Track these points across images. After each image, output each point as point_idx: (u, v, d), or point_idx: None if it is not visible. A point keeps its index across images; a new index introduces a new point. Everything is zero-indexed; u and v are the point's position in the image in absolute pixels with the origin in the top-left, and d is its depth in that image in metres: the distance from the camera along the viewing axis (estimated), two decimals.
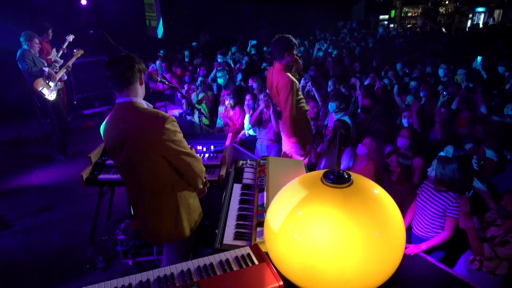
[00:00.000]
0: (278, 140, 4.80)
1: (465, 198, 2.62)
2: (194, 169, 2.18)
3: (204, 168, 2.29)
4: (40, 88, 5.20)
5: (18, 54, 5.17)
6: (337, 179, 1.15)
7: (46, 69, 5.24)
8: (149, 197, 2.19)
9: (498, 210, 2.51)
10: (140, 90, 2.13)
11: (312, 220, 1.12)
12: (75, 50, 5.65)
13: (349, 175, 1.18)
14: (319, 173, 1.23)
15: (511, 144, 3.59)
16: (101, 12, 10.20)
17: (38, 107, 5.32)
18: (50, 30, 6.13)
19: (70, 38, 5.93)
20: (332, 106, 4.70)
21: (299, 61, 3.62)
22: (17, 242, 3.90)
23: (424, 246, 2.97)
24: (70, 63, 5.62)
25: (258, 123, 4.79)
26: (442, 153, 3.53)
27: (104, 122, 2.18)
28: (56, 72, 5.46)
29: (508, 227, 2.45)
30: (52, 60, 5.69)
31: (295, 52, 3.43)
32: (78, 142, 6.31)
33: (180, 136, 2.09)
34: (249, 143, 5.31)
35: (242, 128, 5.46)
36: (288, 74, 3.44)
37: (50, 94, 5.31)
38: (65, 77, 5.79)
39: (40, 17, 8.16)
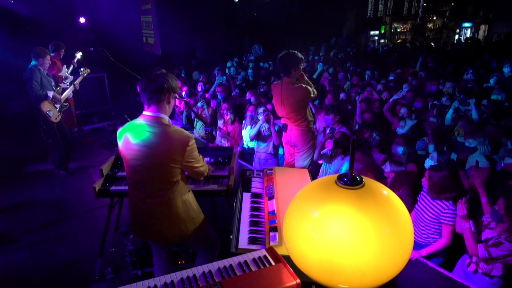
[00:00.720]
0: (276, 154, 4.94)
1: (461, 203, 2.77)
2: (202, 174, 2.49)
3: (207, 168, 2.56)
4: (46, 110, 5.21)
5: (26, 72, 5.18)
6: (350, 181, 1.27)
7: (51, 94, 5.25)
8: (157, 202, 2.33)
9: (492, 213, 2.66)
10: (167, 108, 2.30)
11: (330, 219, 1.22)
12: (81, 69, 5.74)
13: (361, 178, 1.29)
14: (332, 177, 1.36)
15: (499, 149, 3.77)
16: (100, 30, 10.39)
17: (43, 129, 5.34)
18: (63, 50, 6.28)
19: (79, 54, 6.11)
20: (327, 119, 4.86)
21: (305, 76, 3.78)
22: (24, 256, 3.93)
23: (424, 252, 3.08)
24: (77, 82, 5.70)
25: (257, 136, 4.91)
26: (428, 159, 3.70)
27: (124, 127, 2.34)
28: (64, 89, 5.52)
29: (501, 230, 2.60)
30: (63, 77, 5.78)
31: (301, 66, 3.60)
32: (78, 158, 6.38)
33: (197, 151, 2.34)
34: (246, 155, 5.43)
35: (241, 142, 5.57)
36: (300, 84, 3.65)
37: (56, 117, 5.34)
38: (71, 95, 5.90)
39: (40, 34, 8.31)
